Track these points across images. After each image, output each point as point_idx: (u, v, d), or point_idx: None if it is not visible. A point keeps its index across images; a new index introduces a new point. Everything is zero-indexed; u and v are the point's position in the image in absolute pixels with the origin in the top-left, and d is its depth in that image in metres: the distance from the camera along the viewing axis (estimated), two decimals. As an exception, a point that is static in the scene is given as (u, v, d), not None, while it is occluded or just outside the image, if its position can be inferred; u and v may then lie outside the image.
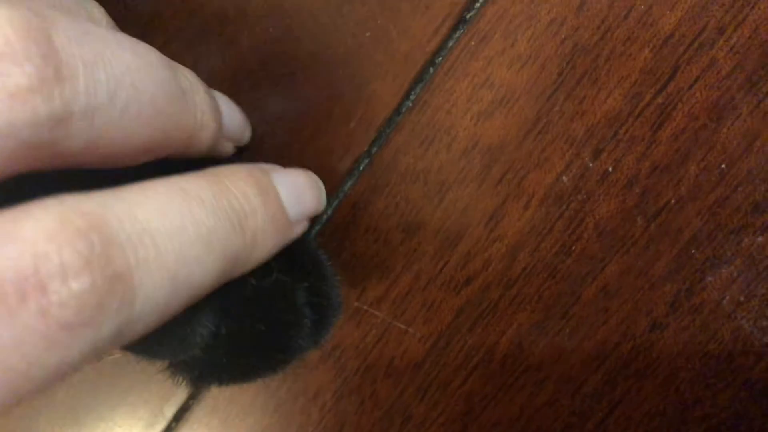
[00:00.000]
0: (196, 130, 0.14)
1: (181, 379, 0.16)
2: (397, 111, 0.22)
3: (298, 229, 0.16)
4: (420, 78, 0.21)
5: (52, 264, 0.10)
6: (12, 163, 0.10)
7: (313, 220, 0.23)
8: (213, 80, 0.22)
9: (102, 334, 0.10)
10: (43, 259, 0.09)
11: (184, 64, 0.22)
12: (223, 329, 0.14)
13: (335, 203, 0.23)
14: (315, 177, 0.18)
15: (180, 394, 0.24)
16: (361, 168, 0.22)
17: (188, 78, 0.14)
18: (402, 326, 0.23)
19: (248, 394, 0.24)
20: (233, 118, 0.18)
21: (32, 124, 0.10)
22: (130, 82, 0.12)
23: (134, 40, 0.13)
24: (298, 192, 0.16)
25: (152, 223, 0.11)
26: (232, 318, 0.15)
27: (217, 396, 0.24)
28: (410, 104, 0.21)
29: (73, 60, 0.10)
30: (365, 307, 0.23)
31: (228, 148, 0.18)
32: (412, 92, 0.21)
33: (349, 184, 0.22)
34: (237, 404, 0.24)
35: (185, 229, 0.12)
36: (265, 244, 0.14)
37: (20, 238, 0.09)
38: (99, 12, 0.15)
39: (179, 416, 0.24)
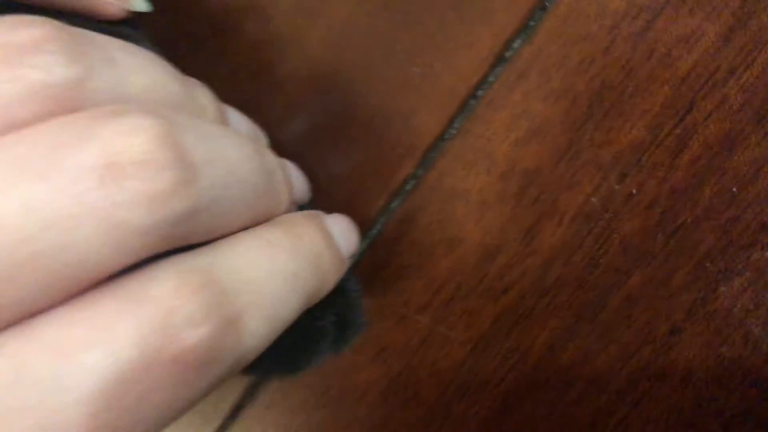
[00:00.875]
0: (275, 207, 0.16)
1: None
2: (442, 137, 0.24)
3: (347, 267, 0.18)
4: (463, 109, 0.24)
5: (180, 317, 0.11)
6: (150, 251, 0.12)
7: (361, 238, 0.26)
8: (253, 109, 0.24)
9: (222, 371, 0.12)
10: (172, 313, 0.11)
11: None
12: None
13: (384, 220, 0.25)
14: (351, 220, 0.20)
15: (233, 392, 0.26)
16: (408, 188, 0.25)
17: (270, 158, 0.16)
18: (444, 331, 0.25)
19: (299, 394, 0.26)
20: (298, 187, 0.19)
21: (171, 223, 0.11)
22: (238, 175, 0.13)
23: (236, 132, 0.15)
24: (344, 233, 0.18)
25: (251, 273, 0.13)
26: None
27: (273, 393, 0.26)
28: (454, 132, 0.24)
29: (199, 160, 0.12)
30: (410, 314, 0.25)
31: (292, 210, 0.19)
32: (456, 121, 0.24)
33: (397, 202, 0.25)
34: (289, 401, 0.26)
35: (275, 275, 0.14)
36: (331, 281, 0.16)
37: (151, 298, 0.11)
38: (206, 98, 0.16)
39: (234, 414, 0.26)
